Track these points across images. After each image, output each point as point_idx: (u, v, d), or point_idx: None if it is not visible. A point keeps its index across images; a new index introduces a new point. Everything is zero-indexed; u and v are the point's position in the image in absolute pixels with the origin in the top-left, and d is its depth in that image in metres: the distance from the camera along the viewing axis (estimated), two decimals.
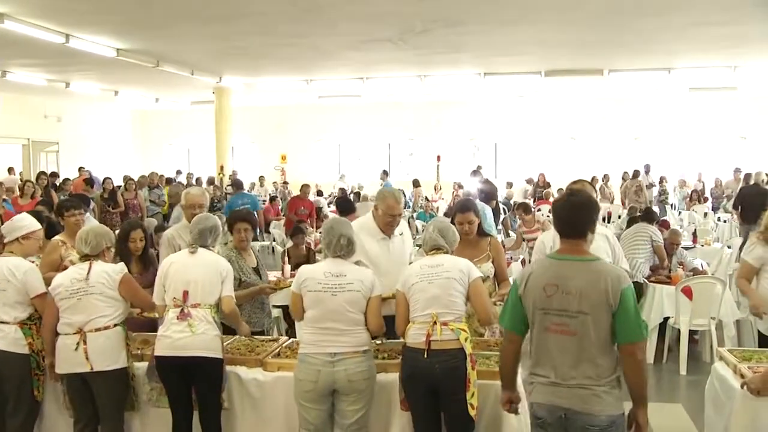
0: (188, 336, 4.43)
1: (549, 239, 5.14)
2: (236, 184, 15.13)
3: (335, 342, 4.20)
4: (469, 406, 3.95)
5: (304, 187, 14.70)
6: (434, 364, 4.04)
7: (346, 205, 9.68)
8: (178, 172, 21.06)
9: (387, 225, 5.22)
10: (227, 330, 5.12)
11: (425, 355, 4.06)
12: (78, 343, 4.54)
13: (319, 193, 20.35)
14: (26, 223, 5.21)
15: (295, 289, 4.37)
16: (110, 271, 4.70)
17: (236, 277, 5.30)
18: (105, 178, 14.46)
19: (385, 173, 21.64)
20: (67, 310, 4.60)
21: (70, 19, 11.44)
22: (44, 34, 11.97)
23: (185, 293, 4.52)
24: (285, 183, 22.43)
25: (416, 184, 20.58)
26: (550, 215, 4.38)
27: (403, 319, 4.28)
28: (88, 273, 4.62)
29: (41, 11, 10.86)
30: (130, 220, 6.78)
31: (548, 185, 19.32)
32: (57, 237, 6.05)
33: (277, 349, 4.94)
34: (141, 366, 4.85)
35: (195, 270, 4.59)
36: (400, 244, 5.37)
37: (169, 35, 12.79)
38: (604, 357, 3.34)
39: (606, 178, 19.79)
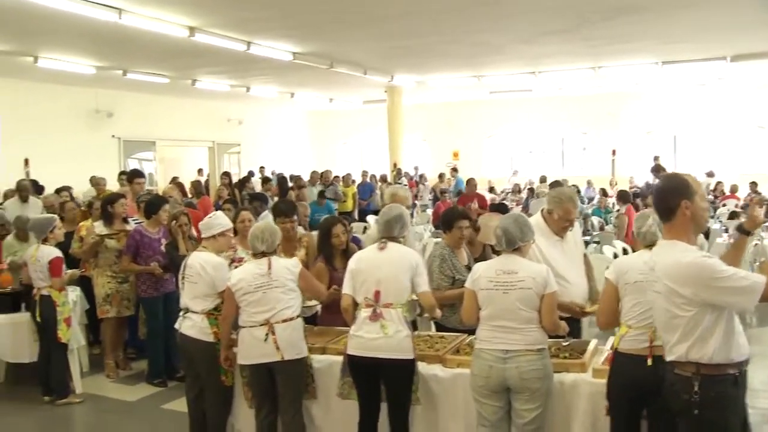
0: (381, 337, 4.44)
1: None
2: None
3: (508, 339, 4.13)
4: None
5: (470, 181, 14.75)
6: (660, 372, 3.59)
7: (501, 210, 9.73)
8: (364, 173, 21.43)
9: (563, 229, 5.09)
10: (441, 327, 5.37)
11: (649, 362, 3.82)
12: (267, 334, 4.72)
13: (491, 190, 20.24)
14: (222, 221, 5.54)
15: (469, 285, 4.34)
16: (290, 266, 4.91)
17: (450, 275, 5.35)
18: (279, 176, 15.03)
19: (455, 170, 21.29)
20: (252, 304, 4.78)
21: (252, 28, 12.00)
22: (228, 43, 12.66)
23: (377, 293, 4.51)
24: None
25: (542, 180, 19.67)
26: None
27: (611, 313, 4.08)
28: (269, 268, 4.81)
29: (226, 22, 11.49)
30: (329, 217, 6.98)
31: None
32: None
33: (457, 346, 4.93)
34: (322, 359, 5.02)
35: (385, 268, 4.56)
36: (572, 243, 5.23)
37: (342, 37, 13.12)
38: None
39: None
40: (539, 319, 4.15)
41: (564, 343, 4.64)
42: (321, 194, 14.84)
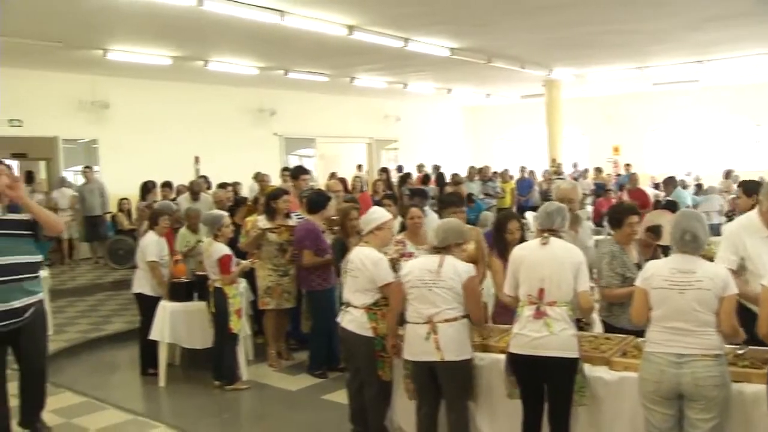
0: (546, 336, 4.36)
1: None
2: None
3: (682, 343, 3.91)
4: None
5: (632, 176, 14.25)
6: None
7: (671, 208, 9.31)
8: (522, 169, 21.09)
9: None
10: (609, 328, 5.20)
11: None
12: (428, 333, 4.70)
13: (656, 186, 19.41)
14: (378, 215, 5.59)
15: (640, 284, 4.15)
16: (460, 270, 4.80)
17: (620, 273, 5.18)
18: (438, 173, 15.10)
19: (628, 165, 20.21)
20: (417, 299, 4.78)
21: (409, 25, 12.10)
22: (386, 41, 12.83)
23: (541, 291, 4.43)
24: (618, 176, 21.72)
25: (726, 175, 18.46)
26: None
27: None
28: (440, 266, 4.77)
29: (384, 20, 11.64)
30: (505, 211, 6.92)
31: None
32: None
33: (623, 348, 4.74)
34: (484, 357, 4.95)
35: (549, 266, 4.47)
36: None
37: (499, 31, 12.97)
38: None
39: None
40: (717, 323, 3.92)
41: (739, 351, 4.35)
42: (470, 197, 14.87)
